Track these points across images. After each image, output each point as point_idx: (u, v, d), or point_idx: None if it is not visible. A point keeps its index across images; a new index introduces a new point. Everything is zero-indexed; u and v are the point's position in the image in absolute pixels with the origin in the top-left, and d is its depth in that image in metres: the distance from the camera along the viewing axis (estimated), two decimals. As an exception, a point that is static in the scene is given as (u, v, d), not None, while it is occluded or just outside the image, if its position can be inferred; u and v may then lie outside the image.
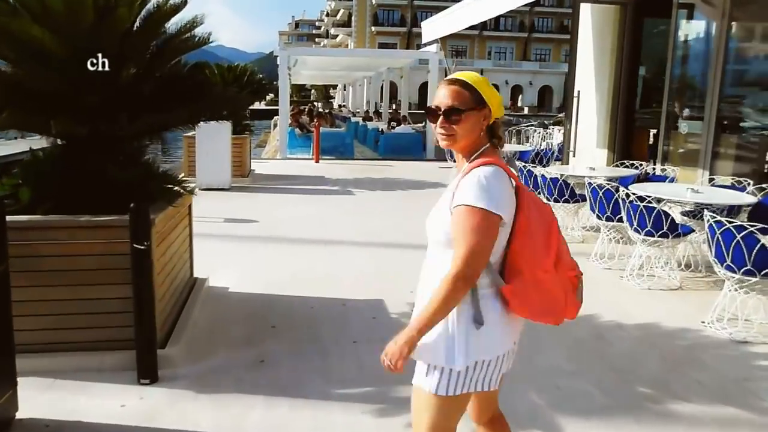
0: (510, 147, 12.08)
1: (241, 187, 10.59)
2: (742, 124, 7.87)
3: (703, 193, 5.52)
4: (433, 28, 11.28)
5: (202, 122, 4.33)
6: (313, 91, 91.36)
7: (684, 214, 5.76)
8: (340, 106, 43.59)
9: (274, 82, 17.96)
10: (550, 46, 75.95)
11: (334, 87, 74.56)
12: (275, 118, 22.38)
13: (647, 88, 10.10)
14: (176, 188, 4.05)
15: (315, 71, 27.27)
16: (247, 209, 8.73)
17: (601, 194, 5.74)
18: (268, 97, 46.64)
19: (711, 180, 6.72)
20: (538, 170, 7.29)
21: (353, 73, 29.61)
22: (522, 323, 2.02)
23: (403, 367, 1.80)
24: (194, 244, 4.90)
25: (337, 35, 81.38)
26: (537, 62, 73.07)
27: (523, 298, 1.87)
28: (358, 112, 33.24)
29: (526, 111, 58.97)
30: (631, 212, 5.16)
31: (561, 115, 14.28)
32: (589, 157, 10.16)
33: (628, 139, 9.90)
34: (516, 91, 70.90)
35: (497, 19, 72.91)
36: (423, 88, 30.09)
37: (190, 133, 10.54)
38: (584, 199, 6.94)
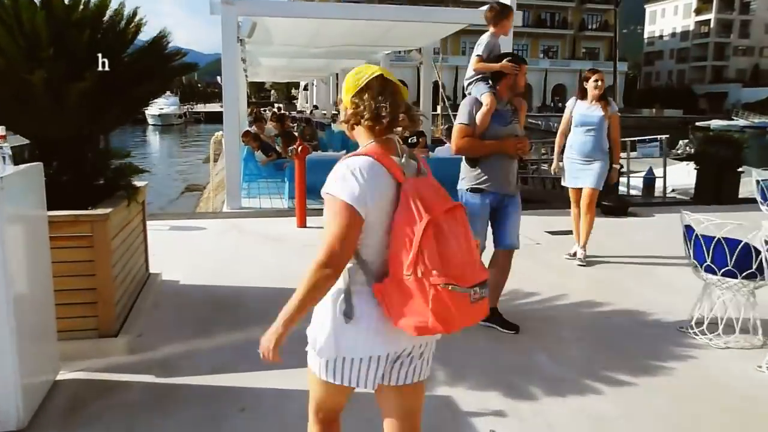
0: None
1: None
2: None
3: None
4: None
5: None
6: (273, 91, 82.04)
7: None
8: (314, 106, 33.58)
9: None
10: (600, 44, 71.12)
11: (296, 86, 60.89)
12: (217, 134, 11.59)
13: None
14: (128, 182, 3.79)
15: (281, 59, 17.16)
16: None
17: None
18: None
19: None
20: None
21: (335, 62, 19.43)
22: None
23: (278, 356, 1.83)
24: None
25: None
26: (587, 60, 66.24)
27: (388, 301, 1.80)
28: (336, 115, 24.72)
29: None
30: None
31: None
32: None
33: None
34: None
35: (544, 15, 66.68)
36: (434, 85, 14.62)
37: None
38: None
